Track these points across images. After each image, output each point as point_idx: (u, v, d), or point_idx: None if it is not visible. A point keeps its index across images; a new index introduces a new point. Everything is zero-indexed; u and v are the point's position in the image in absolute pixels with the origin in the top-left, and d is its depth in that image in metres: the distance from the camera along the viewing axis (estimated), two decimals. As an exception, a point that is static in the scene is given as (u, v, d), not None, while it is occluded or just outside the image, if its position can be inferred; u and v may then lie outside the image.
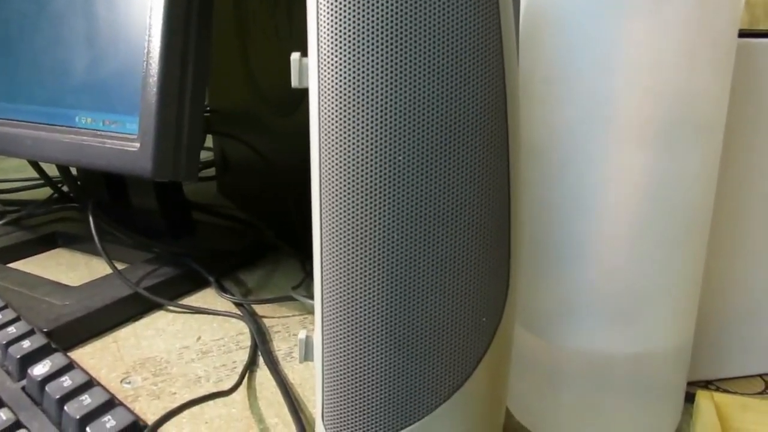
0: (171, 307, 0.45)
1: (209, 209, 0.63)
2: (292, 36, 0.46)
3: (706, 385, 0.35)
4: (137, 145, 0.38)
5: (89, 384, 0.27)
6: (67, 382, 0.27)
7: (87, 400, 0.26)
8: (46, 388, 0.27)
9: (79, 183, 0.57)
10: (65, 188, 0.66)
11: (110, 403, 0.26)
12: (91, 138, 0.41)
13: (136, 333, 0.42)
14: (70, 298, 0.43)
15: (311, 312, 0.45)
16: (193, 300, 0.47)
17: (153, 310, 0.45)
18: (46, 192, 0.72)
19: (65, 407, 0.25)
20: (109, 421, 0.24)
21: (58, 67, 0.44)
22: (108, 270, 0.49)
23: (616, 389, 0.29)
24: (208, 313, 0.44)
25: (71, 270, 0.52)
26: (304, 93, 0.46)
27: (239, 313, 0.44)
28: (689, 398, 0.32)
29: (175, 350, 0.39)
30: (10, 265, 0.53)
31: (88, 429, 0.24)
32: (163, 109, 0.37)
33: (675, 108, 0.25)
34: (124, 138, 0.39)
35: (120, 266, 0.48)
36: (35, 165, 0.56)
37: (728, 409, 0.30)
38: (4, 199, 0.69)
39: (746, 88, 0.30)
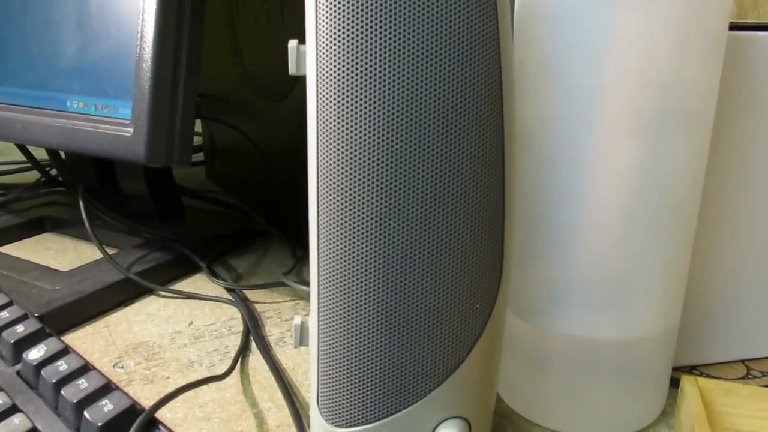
0: (162, 293, 0.45)
1: (199, 195, 0.63)
2: (283, 22, 0.46)
3: (691, 370, 0.35)
4: (130, 130, 0.38)
5: (85, 368, 0.27)
6: (62, 366, 0.27)
7: (84, 384, 0.26)
8: (42, 373, 0.27)
9: (67, 167, 0.57)
10: (53, 172, 0.65)
11: (107, 387, 0.26)
12: (83, 122, 0.41)
13: (128, 318, 0.42)
14: (60, 282, 0.43)
15: (303, 297, 0.45)
16: (184, 285, 0.47)
17: (144, 295, 0.45)
18: (32, 176, 0.71)
19: (62, 391, 0.25)
20: (106, 404, 0.25)
21: (48, 51, 0.43)
22: (97, 255, 0.49)
23: (604, 374, 0.29)
24: (200, 299, 0.45)
25: (60, 255, 0.52)
26: (294, 79, 0.46)
27: (231, 298, 0.44)
28: (674, 383, 0.33)
29: (168, 335, 0.40)
30: (-2, 249, 0.52)
31: (85, 413, 0.24)
32: (156, 94, 0.37)
33: (665, 98, 0.25)
34: (117, 123, 0.39)
35: (110, 251, 0.48)
36: (23, 148, 0.56)
37: (712, 394, 0.30)
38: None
39: (734, 79, 0.31)
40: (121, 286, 0.44)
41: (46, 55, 0.43)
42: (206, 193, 0.65)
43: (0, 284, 0.42)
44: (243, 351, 0.37)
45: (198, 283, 0.47)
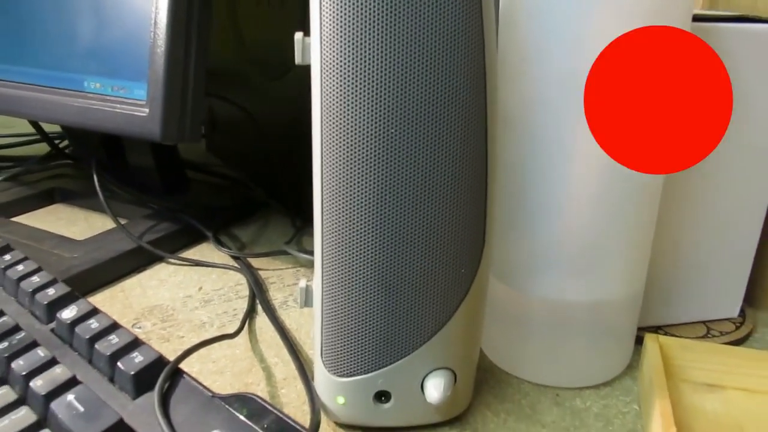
0: (172, 260, 0.48)
1: (203, 168, 0.65)
2: (282, 2, 0.48)
3: (656, 330, 0.38)
4: (146, 110, 0.41)
5: (114, 326, 0.30)
6: (94, 324, 0.30)
7: (115, 340, 0.29)
8: (76, 330, 0.30)
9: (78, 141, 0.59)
10: (61, 145, 0.67)
11: (135, 343, 0.29)
12: (101, 102, 0.43)
13: (141, 283, 0.45)
14: (77, 250, 0.45)
15: (303, 265, 0.48)
16: (192, 253, 0.50)
17: (155, 262, 0.48)
18: (38, 148, 0.73)
19: (96, 346, 0.29)
20: (136, 357, 0.28)
21: (65, 33, 0.45)
22: (107, 225, 0.51)
23: (576, 333, 0.32)
24: (208, 266, 0.47)
25: (72, 224, 0.54)
26: (293, 57, 0.48)
27: (236, 265, 0.47)
28: (639, 341, 0.35)
29: (179, 299, 0.43)
30: (13, 219, 0.55)
31: (119, 363, 0.27)
32: (170, 77, 0.39)
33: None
34: (133, 103, 0.42)
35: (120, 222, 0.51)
36: (35, 123, 0.58)
37: (670, 350, 0.33)
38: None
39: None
40: (133, 254, 0.46)
41: (63, 37, 0.46)
42: (210, 166, 0.68)
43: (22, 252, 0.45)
44: (250, 313, 0.40)
45: (204, 251, 0.50)
